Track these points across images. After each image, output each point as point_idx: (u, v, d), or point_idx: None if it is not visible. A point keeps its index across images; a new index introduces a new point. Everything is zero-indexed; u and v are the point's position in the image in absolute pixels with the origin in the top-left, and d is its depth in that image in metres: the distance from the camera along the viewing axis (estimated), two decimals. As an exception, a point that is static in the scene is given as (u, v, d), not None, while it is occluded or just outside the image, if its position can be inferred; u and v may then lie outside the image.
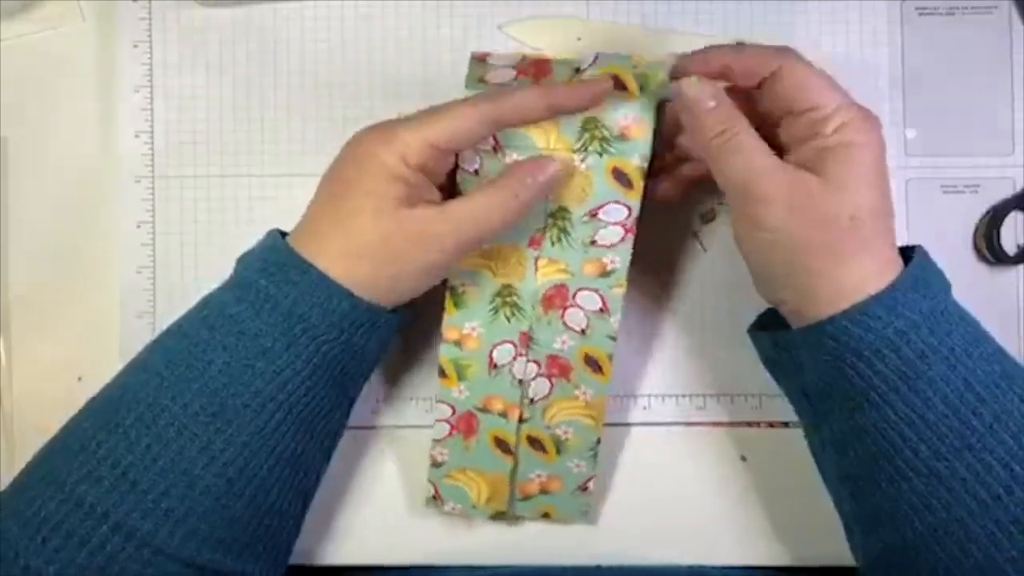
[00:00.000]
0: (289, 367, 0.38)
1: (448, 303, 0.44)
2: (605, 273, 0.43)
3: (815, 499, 0.46)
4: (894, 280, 0.37)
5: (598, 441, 0.45)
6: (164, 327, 0.41)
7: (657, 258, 0.48)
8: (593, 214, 0.43)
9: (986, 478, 0.35)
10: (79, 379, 0.49)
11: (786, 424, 0.48)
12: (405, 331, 0.49)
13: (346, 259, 0.39)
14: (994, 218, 0.47)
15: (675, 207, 0.48)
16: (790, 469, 0.48)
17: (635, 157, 0.42)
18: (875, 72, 0.48)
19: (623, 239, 0.43)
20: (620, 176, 0.42)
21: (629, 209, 0.43)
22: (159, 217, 0.49)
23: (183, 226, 0.49)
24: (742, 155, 0.39)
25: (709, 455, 0.48)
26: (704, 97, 0.39)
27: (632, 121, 0.42)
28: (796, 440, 0.48)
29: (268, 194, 0.49)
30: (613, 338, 0.44)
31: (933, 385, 0.36)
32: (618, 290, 0.43)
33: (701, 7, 0.48)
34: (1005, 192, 0.48)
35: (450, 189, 0.43)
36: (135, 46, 0.49)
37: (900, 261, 0.38)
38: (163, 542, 0.36)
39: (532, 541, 0.48)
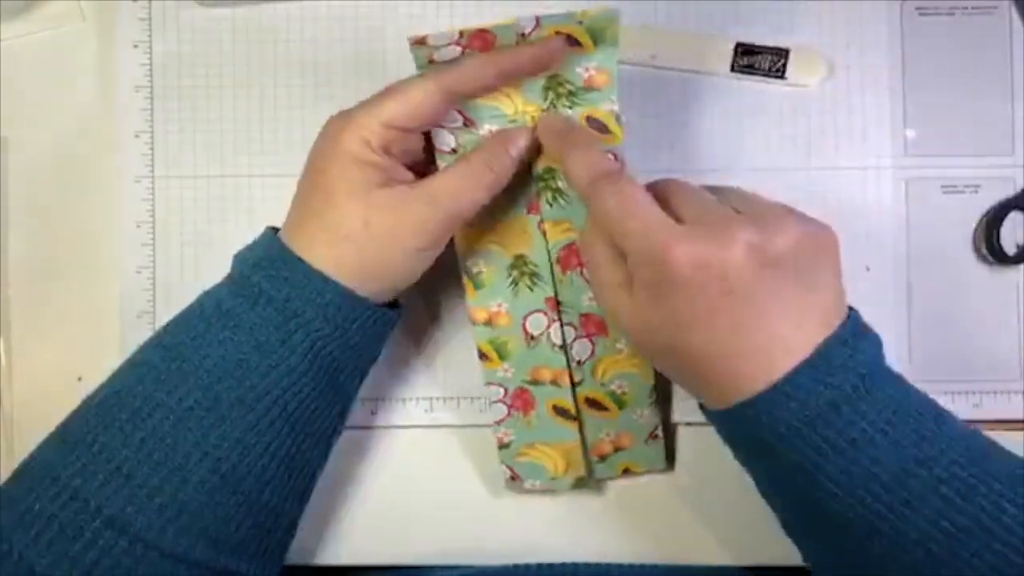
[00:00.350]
0: (284, 362, 0.38)
1: (468, 287, 0.45)
2: None
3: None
4: (785, 374, 0.35)
5: (654, 387, 0.45)
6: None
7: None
8: None
9: (902, 558, 0.34)
10: (79, 379, 0.49)
11: (786, 424, 0.48)
12: (405, 332, 0.49)
13: (331, 249, 0.39)
14: (994, 218, 0.47)
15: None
16: (790, 469, 0.48)
17: (604, 103, 0.42)
18: (875, 72, 0.48)
19: None
20: (595, 124, 0.42)
21: (614, 155, 0.42)
22: (159, 217, 0.49)
23: (183, 226, 0.49)
24: (589, 269, 0.40)
25: (708, 455, 0.48)
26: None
27: (595, 71, 0.41)
28: (796, 440, 0.48)
29: (268, 194, 0.49)
30: None
31: (831, 477, 0.35)
32: None
33: (701, 7, 0.48)
34: (1005, 192, 0.48)
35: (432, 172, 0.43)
36: (135, 46, 0.49)
37: (800, 344, 0.35)
38: (156, 537, 0.36)
39: (531, 541, 0.48)
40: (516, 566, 0.47)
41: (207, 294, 0.41)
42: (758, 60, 0.48)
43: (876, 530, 0.34)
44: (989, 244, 0.47)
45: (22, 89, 0.50)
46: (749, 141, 0.48)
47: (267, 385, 0.38)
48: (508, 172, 0.41)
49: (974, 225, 0.48)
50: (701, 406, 0.41)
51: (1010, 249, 0.47)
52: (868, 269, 0.48)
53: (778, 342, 0.35)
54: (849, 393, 0.35)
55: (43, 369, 0.49)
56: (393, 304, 0.43)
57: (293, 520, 0.43)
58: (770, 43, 0.48)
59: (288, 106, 0.49)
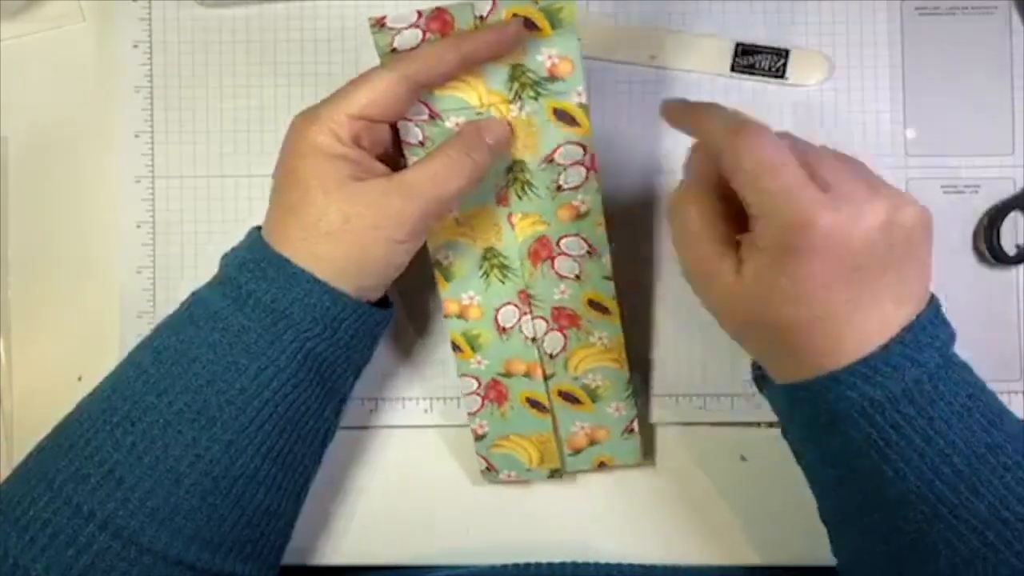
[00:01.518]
0: (272, 364, 0.38)
1: (439, 278, 0.45)
2: (580, 216, 0.43)
3: (814, 499, 0.46)
4: (877, 349, 0.35)
5: (629, 381, 0.45)
6: (161, 326, 0.41)
7: (657, 259, 0.48)
8: (549, 159, 0.42)
9: (957, 545, 0.34)
10: (79, 379, 0.49)
11: (786, 424, 0.48)
12: (403, 331, 0.49)
13: (312, 246, 0.39)
14: (994, 218, 0.47)
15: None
16: (790, 469, 0.48)
17: (572, 95, 0.42)
18: (875, 72, 0.48)
19: (587, 178, 0.43)
20: (563, 116, 0.42)
21: (583, 147, 0.42)
22: (159, 217, 0.49)
23: (183, 226, 0.49)
24: (682, 230, 0.38)
25: (709, 455, 0.48)
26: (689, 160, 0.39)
27: (557, 59, 0.41)
28: (796, 440, 0.48)
29: (268, 194, 0.49)
30: (609, 278, 0.44)
31: (904, 456, 0.35)
32: (599, 229, 0.43)
33: (701, 7, 0.48)
34: (1005, 192, 0.48)
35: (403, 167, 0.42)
36: (135, 46, 0.49)
37: (895, 320, 0.35)
38: (150, 541, 0.36)
39: (532, 540, 0.48)
40: (516, 565, 0.47)
41: (196, 295, 0.41)
42: (758, 60, 0.48)
43: (937, 515, 0.34)
44: (989, 244, 0.47)
45: (22, 89, 0.50)
46: (749, 141, 0.48)
47: (257, 387, 0.38)
48: (487, 161, 0.41)
49: (974, 225, 0.48)
50: (758, 380, 0.40)
51: (1010, 249, 0.47)
52: (868, 269, 0.48)
53: (878, 317, 0.35)
54: (933, 372, 0.35)
55: (43, 369, 0.49)
56: (385, 304, 0.43)
57: (289, 521, 0.43)
58: (770, 43, 0.48)
59: (288, 106, 0.49)
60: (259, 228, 0.41)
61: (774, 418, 0.48)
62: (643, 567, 0.47)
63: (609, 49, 0.48)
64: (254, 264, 0.39)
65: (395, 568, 0.49)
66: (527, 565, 0.47)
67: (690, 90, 0.48)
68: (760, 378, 0.41)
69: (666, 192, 0.48)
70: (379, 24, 0.40)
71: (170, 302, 0.46)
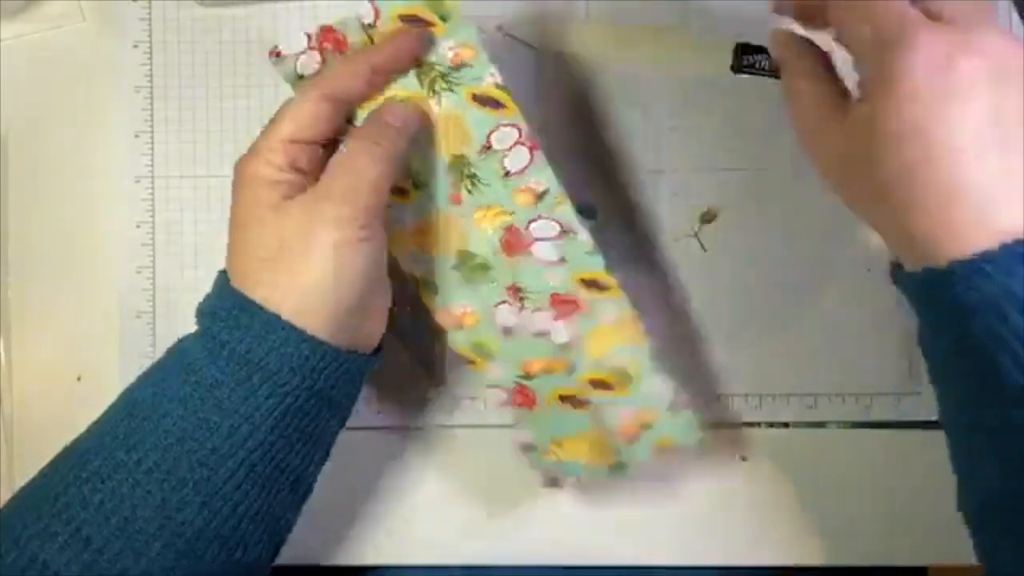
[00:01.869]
0: (247, 421, 0.36)
1: (423, 294, 0.43)
2: (540, 196, 0.42)
3: (814, 499, 0.46)
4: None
5: (653, 354, 0.42)
6: (164, 327, 0.40)
7: (657, 258, 0.48)
8: (486, 147, 0.41)
9: None
10: (79, 379, 0.49)
11: (786, 424, 0.48)
12: (403, 332, 0.49)
13: (261, 275, 0.37)
14: (994, 218, 0.47)
15: (675, 207, 0.48)
16: (790, 469, 0.48)
17: (485, 78, 0.41)
18: (875, 72, 0.48)
19: (532, 158, 0.41)
20: (485, 101, 0.41)
21: (517, 128, 0.41)
22: (159, 217, 0.49)
23: (183, 226, 0.49)
24: (797, 102, 0.38)
25: (710, 455, 0.48)
26: (773, 42, 0.39)
27: (457, 48, 0.41)
28: (796, 440, 0.48)
29: (268, 194, 0.49)
30: (592, 253, 0.42)
31: None
32: (562, 207, 0.42)
33: (702, 7, 0.48)
34: (1005, 192, 0.48)
35: None
36: (135, 46, 0.49)
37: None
38: None
39: (533, 542, 0.48)
40: (514, 568, 0.47)
41: (180, 343, 0.39)
42: (758, 60, 0.48)
43: None
44: (989, 244, 0.47)
45: (22, 89, 0.50)
46: (750, 141, 0.48)
47: (231, 447, 0.36)
48: (399, 144, 0.39)
49: (974, 225, 0.48)
50: (895, 272, 0.37)
51: (1010, 249, 0.47)
52: (869, 270, 0.47)
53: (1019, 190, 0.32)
54: None
55: (43, 369, 0.49)
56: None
57: (271, 557, 0.40)
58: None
59: (288, 106, 0.49)
60: (225, 272, 0.39)
61: (774, 418, 0.48)
62: (644, 568, 0.47)
63: (610, 49, 0.48)
64: (225, 312, 0.37)
65: (396, 568, 0.49)
66: (526, 568, 0.47)
67: (690, 90, 0.48)
68: (895, 269, 0.38)
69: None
70: (276, 55, 0.41)
71: (170, 302, 0.46)
